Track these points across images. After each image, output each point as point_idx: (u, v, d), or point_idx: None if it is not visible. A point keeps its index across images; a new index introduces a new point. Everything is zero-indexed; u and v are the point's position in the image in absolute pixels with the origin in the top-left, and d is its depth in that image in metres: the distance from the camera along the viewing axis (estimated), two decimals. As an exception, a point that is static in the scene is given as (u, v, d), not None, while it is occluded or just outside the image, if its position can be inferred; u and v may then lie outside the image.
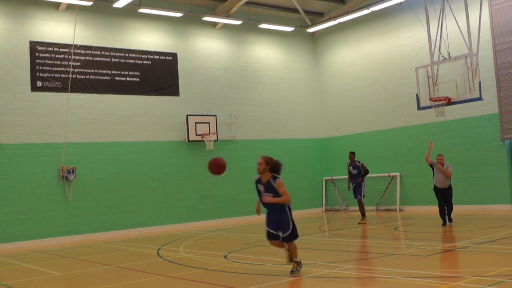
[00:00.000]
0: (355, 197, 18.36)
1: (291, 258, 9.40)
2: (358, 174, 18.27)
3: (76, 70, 19.76)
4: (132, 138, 20.70)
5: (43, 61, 19.22)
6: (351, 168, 18.44)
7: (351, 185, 18.44)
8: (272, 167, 9.26)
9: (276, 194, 9.14)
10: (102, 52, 20.42)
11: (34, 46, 19.14)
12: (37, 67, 19.11)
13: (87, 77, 20.00)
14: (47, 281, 10.82)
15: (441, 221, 15.88)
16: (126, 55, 20.91)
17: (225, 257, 12.11)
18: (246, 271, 8.17)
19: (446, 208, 15.83)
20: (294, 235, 9.20)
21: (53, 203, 18.77)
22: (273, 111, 24.62)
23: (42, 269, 12.39)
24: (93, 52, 20.21)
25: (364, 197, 18.28)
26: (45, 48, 19.34)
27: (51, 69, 19.34)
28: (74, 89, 19.62)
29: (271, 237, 9.31)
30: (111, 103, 20.41)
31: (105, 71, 20.37)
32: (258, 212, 9.59)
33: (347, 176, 18.92)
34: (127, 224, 19.98)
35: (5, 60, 18.59)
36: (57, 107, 19.30)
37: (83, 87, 19.86)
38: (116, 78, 20.61)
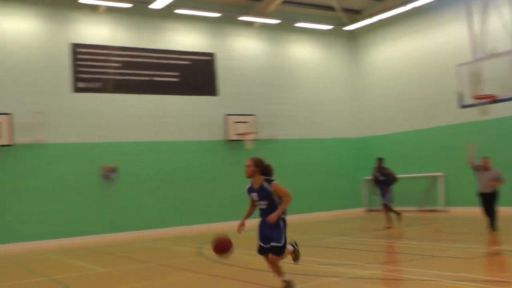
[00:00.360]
0: (382, 201, 17.37)
1: (295, 257, 8.38)
2: (385, 181, 17.37)
3: (116, 71, 20.01)
4: (171, 138, 20.87)
5: (84, 63, 19.51)
6: (378, 174, 17.59)
7: (377, 190, 17.65)
8: (263, 169, 7.92)
9: (271, 200, 7.79)
10: (141, 53, 20.63)
11: (75, 48, 19.44)
12: (78, 69, 19.40)
13: (127, 77, 20.23)
14: (91, 277, 10.98)
15: (486, 223, 14.53)
16: (165, 55, 21.09)
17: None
18: (288, 271, 8.12)
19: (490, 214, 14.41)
20: (282, 250, 7.77)
21: (95, 202, 19.07)
22: (310, 110, 24.50)
23: (87, 265, 12.62)
24: (132, 53, 20.44)
25: (391, 202, 17.52)
26: (86, 50, 19.63)
27: (92, 70, 19.62)
28: (114, 90, 19.88)
29: (261, 251, 7.95)
30: (151, 103, 20.61)
31: (144, 72, 20.58)
32: (240, 228, 8.03)
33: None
34: (168, 222, 20.13)
35: (47, 62, 18.95)
36: (97, 108, 19.59)
37: (123, 88, 20.10)
38: (155, 78, 20.80)
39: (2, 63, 18.29)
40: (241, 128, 21.99)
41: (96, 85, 19.66)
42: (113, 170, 19.30)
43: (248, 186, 8.00)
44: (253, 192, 7.91)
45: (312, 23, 23.98)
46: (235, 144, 22.05)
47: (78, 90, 19.34)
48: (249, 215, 8.13)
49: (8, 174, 17.97)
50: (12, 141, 17.83)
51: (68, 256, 14.54)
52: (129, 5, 19.36)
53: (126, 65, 20.28)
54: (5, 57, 18.37)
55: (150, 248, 15.79)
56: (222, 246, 7.76)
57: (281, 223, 7.79)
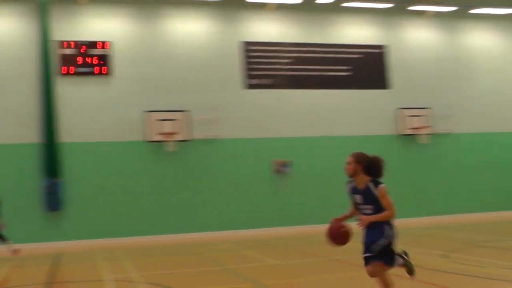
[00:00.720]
0: None
1: (408, 270, 6.87)
2: None
3: (287, 67, 20.15)
4: (343, 132, 20.56)
5: (255, 60, 19.91)
6: None
7: None
8: (366, 166, 6.54)
9: (378, 205, 6.44)
10: (311, 48, 20.58)
11: (246, 46, 19.90)
12: (250, 66, 19.83)
13: (298, 73, 20.29)
14: (264, 269, 11.01)
15: None
16: (335, 50, 20.84)
17: (445, 256, 11.31)
18: (469, 273, 7.34)
19: None
20: (386, 255, 6.44)
21: (268, 196, 19.33)
22: (488, 102, 22.76)
23: (260, 256, 12.73)
24: (302, 48, 20.45)
25: None
26: (257, 47, 20.01)
27: (263, 67, 19.96)
28: (286, 86, 20.03)
29: (367, 263, 6.55)
30: (322, 98, 20.47)
31: (315, 67, 20.50)
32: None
33: None
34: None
35: (219, 60, 19.64)
36: (269, 104, 19.88)
37: (294, 84, 20.20)
38: (326, 73, 20.62)
39: (178, 62, 19.26)
40: (415, 122, 21.04)
41: (268, 81, 19.96)
42: (285, 164, 19.43)
43: (350, 184, 6.71)
44: (358, 193, 6.61)
45: (490, 7, 22.30)
46: (408, 138, 21.17)
47: (250, 86, 19.78)
48: (347, 218, 6.87)
49: (186, 168, 18.83)
50: (190, 136, 18.65)
51: (243, 247, 14.81)
52: (298, 1, 19.41)
53: (297, 60, 20.35)
54: (181, 57, 19.31)
55: (324, 242, 15.53)
56: (337, 235, 6.75)
57: (386, 228, 6.43)
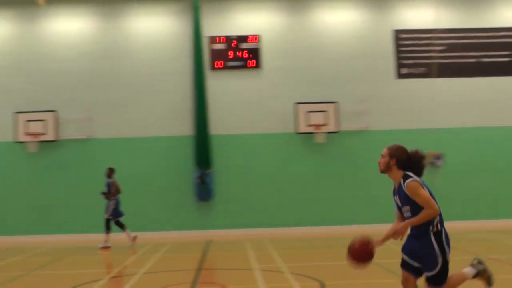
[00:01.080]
0: None
1: (487, 281, 5.95)
2: None
3: (440, 54, 19.20)
4: (501, 123, 19.12)
5: (406, 48, 19.21)
6: None
7: None
8: (402, 161, 5.59)
9: (416, 206, 5.46)
10: (466, 34, 19.39)
11: (398, 34, 19.24)
12: (401, 55, 19.16)
13: (452, 60, 19.24)
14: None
15: None
16: (493, 34, 19.45)
17: None
18: None
19: None
20: (442, 277, 5.47)
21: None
22: None
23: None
24: (456, 34, 19.36)
25: None
26: (408, 35, 19.29)
27: (414, 55, 19.20)
28: (438, 74, 19.09)
29: (404, 266, 5.75)
30: (478, 87, 19.22)
31: (470, 53, 19.31)
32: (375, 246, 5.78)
33: None
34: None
35: (370, 49, 19.19)
36: (421, 93, 19.07)
37: (447, 71, 19.19)
38: (483, 59, 19.33)
39: (327, 53, 19.11)
40: None
41: (420, 70, 19.17)
42: (438, 157, 18.53)
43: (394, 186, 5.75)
44: (395, 194, 5.72)
45: None
46: None
47: (401, 76, 19.12)
48: (389, 238, 5.87)
49: (334, 160, 18.65)
50: (338, 128, 18.45)
51: (394, 242, 14.25)
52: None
53: (451, 47, 19.30)
54: (330, 47, 19.14)
55: (480, 240, 14.63)
56: (361, 252, 5.70)
57: (431, 235, 5.44)
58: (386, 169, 5.66)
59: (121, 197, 15.36)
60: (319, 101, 18.69)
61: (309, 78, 19.02)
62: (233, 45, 18.88)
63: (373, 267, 10.09)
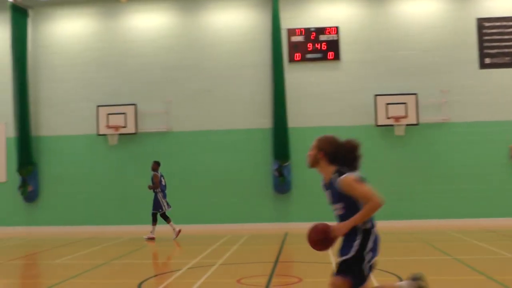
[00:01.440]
0: None
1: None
2: None
3: (527, 43, 18.42)
4: None
5: (490, 37, 18.52)
6: None
7: None
8: (330, 152, 5.01)
9: (349, 204, 4.91)
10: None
11: (481, 23, 18.58)
12: (485, 44, 18.50)
13: (540, 49, 18.42)
14: (500, 262, 10.34)
15: None
16: None
17: None
18: None
19: None
20: (349, 267, 4.85)
21: (504, 184, 17.84)
22: None
23: (494, 248, 11.91)
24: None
25: None
26: (493, 23, 18.59)
27: (499, 44, 18.49)
28: (525, 64, 18.33)
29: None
30: None
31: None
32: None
33: None
34: None
35: (453, 39, 18.62)
36: (506, 84, 18.34)
37: (535, 61, 18.38)
38: None
39: (406, 43, 18.67)
40: None
41: (504, 60, 18.44)
42: (523, 150, 17.81)
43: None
44: (326, 189, 5.11)
45: None
46: None
47: (484, 66, 18.45)
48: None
49: (413, 153, 18.23)
50: (418, 120, 18.02)
51: (471, 237, 13.90)
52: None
53: (538, 36, 18.46)
54: (409, 38, 18.69)
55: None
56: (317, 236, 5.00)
57: (358, 233, 4.87)
58: (314, 164, 5.11)
59: (167, 191, 15.68)
60: (398, 92, 18.33)
61: (389, 69, 18.65)
62: (311, 37, 18.77)
63: (453, 263, 9.85)
